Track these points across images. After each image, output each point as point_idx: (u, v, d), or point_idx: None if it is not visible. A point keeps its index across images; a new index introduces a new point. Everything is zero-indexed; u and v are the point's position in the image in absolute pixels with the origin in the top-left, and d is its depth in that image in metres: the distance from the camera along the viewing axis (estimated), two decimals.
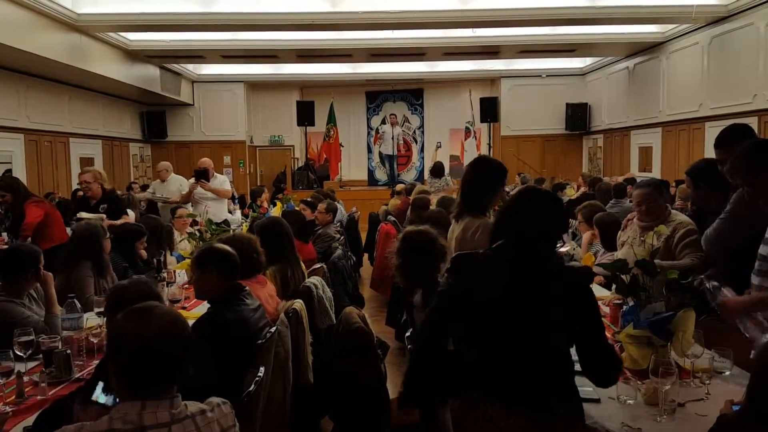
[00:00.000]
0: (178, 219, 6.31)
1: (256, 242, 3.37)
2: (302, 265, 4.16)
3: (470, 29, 10.67)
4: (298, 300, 3.55)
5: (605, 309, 3.52)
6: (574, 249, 5.00)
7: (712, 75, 9.73)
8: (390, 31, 10.66)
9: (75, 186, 10.54)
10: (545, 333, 1.97)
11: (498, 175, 3.32)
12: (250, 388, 2.33)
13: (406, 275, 2.90)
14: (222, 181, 7.63)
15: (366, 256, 9.02)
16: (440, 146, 15.11)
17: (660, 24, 10.78)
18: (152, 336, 1.62)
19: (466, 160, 14.35)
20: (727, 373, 2.52)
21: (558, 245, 4.39)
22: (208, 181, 7.30)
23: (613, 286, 2.97)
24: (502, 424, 1.93)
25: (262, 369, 2.52)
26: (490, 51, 12.50)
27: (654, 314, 2.56)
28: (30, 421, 2.24)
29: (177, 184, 8.20)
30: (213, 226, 5.13)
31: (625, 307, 2.88)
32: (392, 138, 14.88)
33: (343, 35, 11.00)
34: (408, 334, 2.95)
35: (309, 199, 7.34)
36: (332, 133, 14.95)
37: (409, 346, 2.90)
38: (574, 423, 1.97)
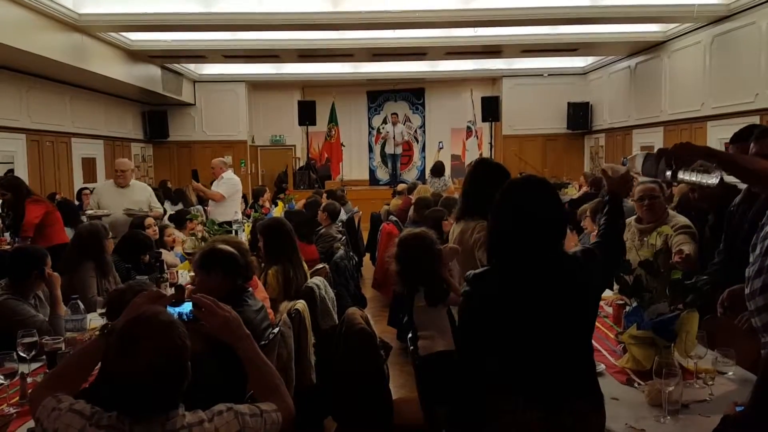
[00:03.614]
0: (193, 220, 6.40)
1: (246, 246, 3.35)
2: (305, 265, 4.16)
3: (471, 29, 10.66)
4: (301, 300, 3.56)
5: (608, 309, 3.52)
6: (576, 245, 4.99)
7: (713, 74, 9.71)
8: (391, 31, 10.65)
9: (78, 186, 10.57)
10: (561, 330, 1.99)
11: (497, 179, 3.28)
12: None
13: (407, 280, 2.91)
14: (223, 182, 7.57)
15: (368, 256, 9.02)
16: (442, 147, 15.08)
17: (661, 23, 10.76)
18: (140, 372, 1.56)
19: (468, 160, 14.36)
20: (731, 373, 2.53)
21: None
22: (198, 181, 7.74)
23: (616, 287, 2.96)
24: (520, 417, 1.95)
25: None
26: (492, 50, 12.48)
27: (657, 315, 2.56)
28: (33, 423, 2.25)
29: (146, 194, 6.50)
30: (215, 227, 5.14)
31: (628, 308, 2.89)
32: (393, 137, 14.87)
33: (344, 35, 10.99)
34: (410, 335, 2.95)
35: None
36: (333, 132, 14.93)
37: (411, 347, 2.91)
38: (589, 418, 1.98)
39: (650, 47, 11.74)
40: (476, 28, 10.60)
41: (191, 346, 1.72)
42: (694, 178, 2.21)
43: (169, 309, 1.96)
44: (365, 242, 9.10)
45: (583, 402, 1.97)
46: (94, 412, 1.65)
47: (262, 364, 1.99)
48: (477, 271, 2.11)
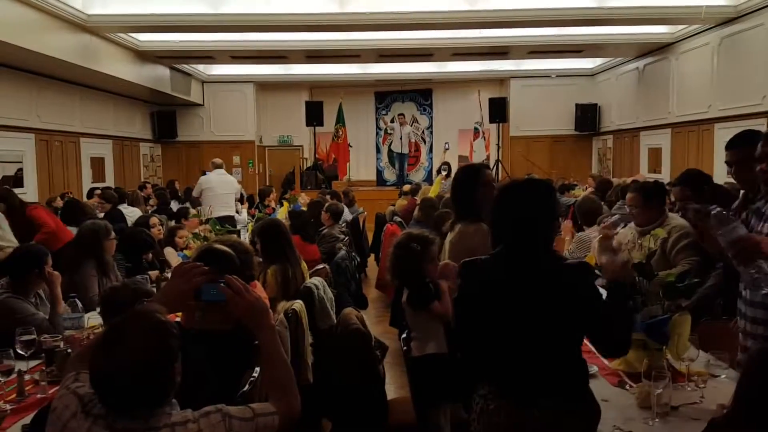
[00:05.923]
0: (193, 218, 6.45)
1: (248, 246, 3.36)
2: (303, 265, 4.18)
3: (478, 30, 10.65)
4: (298, 300, 3.57)
5: None
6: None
7: (721, 76, 9.66)
8: (398, 32, 10.66)
9: (87, 186, 10.65)
10: (539, 330, 2.01)
11: (474, 180, 3.32)
12: (245, 388, 2.35)
13: (393, 273, 2.96)
14: None
15: (372, 256, 9.03)
16: (448, 147, 15.05)
17: (669, 24, 10.70)
18: (116, 372, 1.55)
19: (475, 161, 14.34)
20: (723, 376, 2.52)
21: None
22: None
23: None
24: (489, 404, 2.02)
25: (257, 369, 2.54)
26: (499, 51, 12.46)
27: (650, 317, 2.56)
28: (29, 419, 2.27)
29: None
30: (217, 227, 5.18)
31: None
32: (400, 138, 14.86)
33: (351, 36, 11.02)
34: (404, 335, 2.97)
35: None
36: (341, 133, 14.97)
37: (404, 348, 2.92)
38: (562, 418, 1.99)
39: (658, 49, 11.69)
40: (482, 30, 10.60)
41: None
42: None
43: (205, 286, 2.00)
44: (370, 243, 9.12)
45: (554, 401, 1.99)
46: (91, 399, 1.64)
47: (278, 360, 1.96)
48: (470, 259, 2.16)
